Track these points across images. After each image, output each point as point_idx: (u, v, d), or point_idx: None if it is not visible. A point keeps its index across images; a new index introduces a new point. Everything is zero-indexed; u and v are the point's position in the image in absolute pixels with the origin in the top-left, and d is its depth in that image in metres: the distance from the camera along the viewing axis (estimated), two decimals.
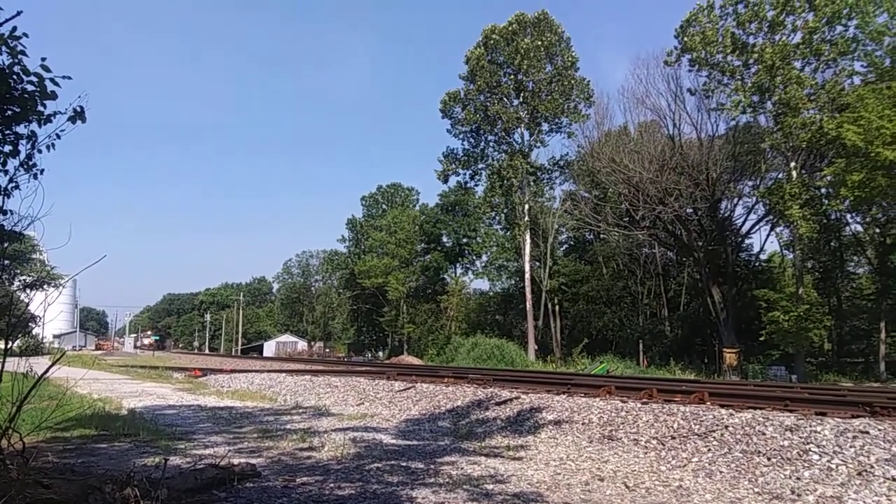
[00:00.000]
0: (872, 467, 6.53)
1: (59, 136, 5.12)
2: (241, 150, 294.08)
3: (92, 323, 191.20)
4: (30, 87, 4.95)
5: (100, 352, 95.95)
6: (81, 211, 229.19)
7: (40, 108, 5.02)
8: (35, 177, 5.11)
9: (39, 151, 5.12)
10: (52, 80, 4.97)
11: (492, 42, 50.14)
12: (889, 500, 5.89)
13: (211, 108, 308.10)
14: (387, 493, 5.89)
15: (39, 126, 5.09)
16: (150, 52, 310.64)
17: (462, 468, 7.36)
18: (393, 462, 7.71)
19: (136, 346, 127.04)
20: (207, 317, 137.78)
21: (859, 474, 6.49)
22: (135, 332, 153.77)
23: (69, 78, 5.05)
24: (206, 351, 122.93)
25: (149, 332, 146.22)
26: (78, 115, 5.08)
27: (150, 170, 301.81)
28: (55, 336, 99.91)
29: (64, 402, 11.26)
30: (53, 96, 5.01)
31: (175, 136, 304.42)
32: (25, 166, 5.10)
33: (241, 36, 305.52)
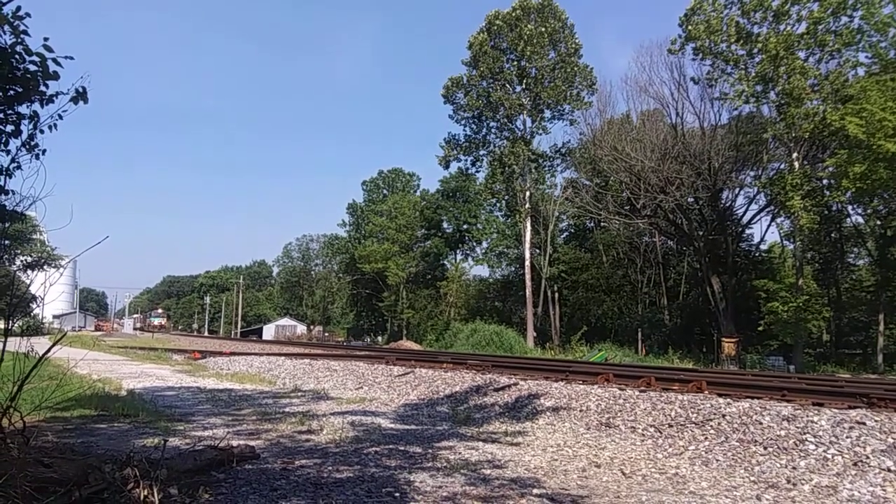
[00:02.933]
0: (868, 458, 6.56)
1: (61, 117, 5.11)
2: (242, 134, 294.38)
3: (92, 304, 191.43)
4: (32, 68, 4.94)
5: (99, 333, 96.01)
6: (83, 192, 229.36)
7: (42, 88, 5.01)
8: (37, 157, 5.11)
9: (41, 132, 5.12)
10: (54, 60, 4.96)
11: (495, 28, 49.85)
12: (884, 490, 5.92)
13: (212, 91, 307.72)
14: (385, 476, 5.92)
15: (41, 106, 5.09)
16: (152, 35, 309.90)
17: (460, 453, 7.40)
18: (391, 446, 7.75)
19: (135, 328, 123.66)
20: (207, 299, 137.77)
21: (855, 464, 6.52)
22: (136, 313, 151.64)
23: (72, 58, 5.04)
24: (206, 333, 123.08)
25: (159, 310, 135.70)
26: (80, 96, 5.07)
27: (152, 152, 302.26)
28: (55, 316, 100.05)
29: (64, 382, 11.31)
30: (56, 77, 4.99)
31: (177, 119, 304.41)
32: (27, 146, 5.09)
33: (242, 20, 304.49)
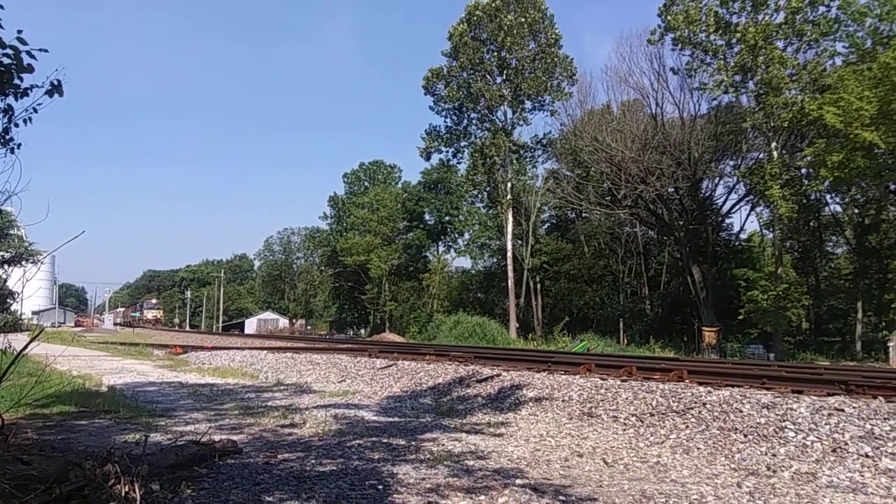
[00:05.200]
0: (847, 444, 6.64)
1: (35, 110, 5.04)
2: (222, 126, 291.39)
3: (71, 299, 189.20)
4: (5, 60, 4.85)
5: (79, 328, 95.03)
6: (60, 186, 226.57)
7: (17, 81, 4.93)
8: (12, 151, 5.05)
9: (16, 125, 5.05)
10: (28, 52, 4.87)
11: (475, 18, 49.68)
12: (862, 476, 5.99)
13: (191, 83, 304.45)
14: (368, 469, 5.91)
15: (16, 100, 5.00)
16: (129, 27, 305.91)
17: (443, 445, 7.41)
18: (374, 439, 7.74)
19: (115, 324, 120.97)
20: (188, 294, 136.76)
21: (834, 451, 6.59)
22: (117, 307, 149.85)
23: (46, 51, 4.96)
24: (187, 328, 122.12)
25: (153, 301, 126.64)
26: (55, 89, 5.00)
27: (131, 145, 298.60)
28: (34, 312, 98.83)
29: (43, 378, 11.18)
30: (30, 69, 4.91)
31: (156, 112, 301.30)
32: (2, 140, 5.02)
33: (222, 10, 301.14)
